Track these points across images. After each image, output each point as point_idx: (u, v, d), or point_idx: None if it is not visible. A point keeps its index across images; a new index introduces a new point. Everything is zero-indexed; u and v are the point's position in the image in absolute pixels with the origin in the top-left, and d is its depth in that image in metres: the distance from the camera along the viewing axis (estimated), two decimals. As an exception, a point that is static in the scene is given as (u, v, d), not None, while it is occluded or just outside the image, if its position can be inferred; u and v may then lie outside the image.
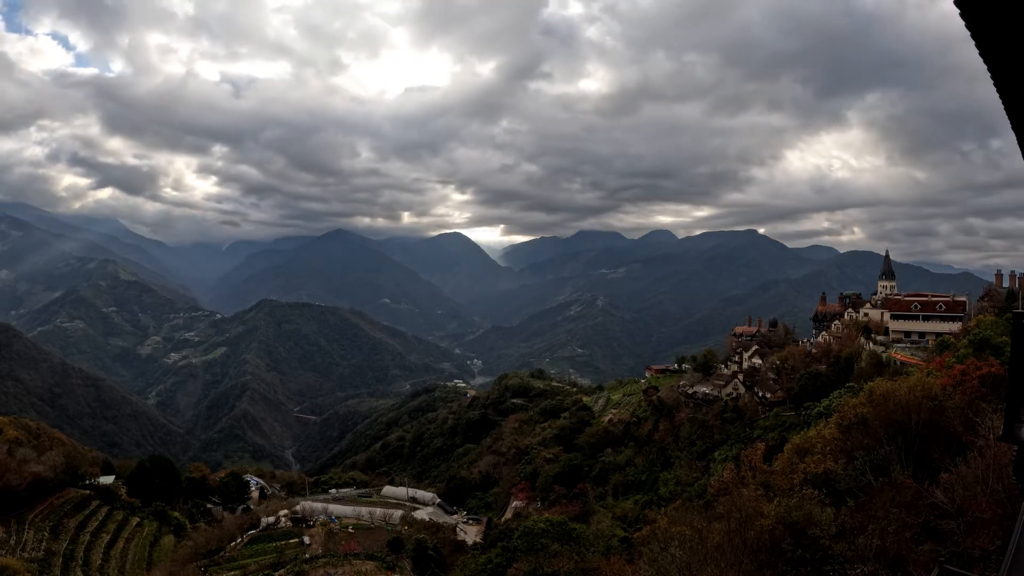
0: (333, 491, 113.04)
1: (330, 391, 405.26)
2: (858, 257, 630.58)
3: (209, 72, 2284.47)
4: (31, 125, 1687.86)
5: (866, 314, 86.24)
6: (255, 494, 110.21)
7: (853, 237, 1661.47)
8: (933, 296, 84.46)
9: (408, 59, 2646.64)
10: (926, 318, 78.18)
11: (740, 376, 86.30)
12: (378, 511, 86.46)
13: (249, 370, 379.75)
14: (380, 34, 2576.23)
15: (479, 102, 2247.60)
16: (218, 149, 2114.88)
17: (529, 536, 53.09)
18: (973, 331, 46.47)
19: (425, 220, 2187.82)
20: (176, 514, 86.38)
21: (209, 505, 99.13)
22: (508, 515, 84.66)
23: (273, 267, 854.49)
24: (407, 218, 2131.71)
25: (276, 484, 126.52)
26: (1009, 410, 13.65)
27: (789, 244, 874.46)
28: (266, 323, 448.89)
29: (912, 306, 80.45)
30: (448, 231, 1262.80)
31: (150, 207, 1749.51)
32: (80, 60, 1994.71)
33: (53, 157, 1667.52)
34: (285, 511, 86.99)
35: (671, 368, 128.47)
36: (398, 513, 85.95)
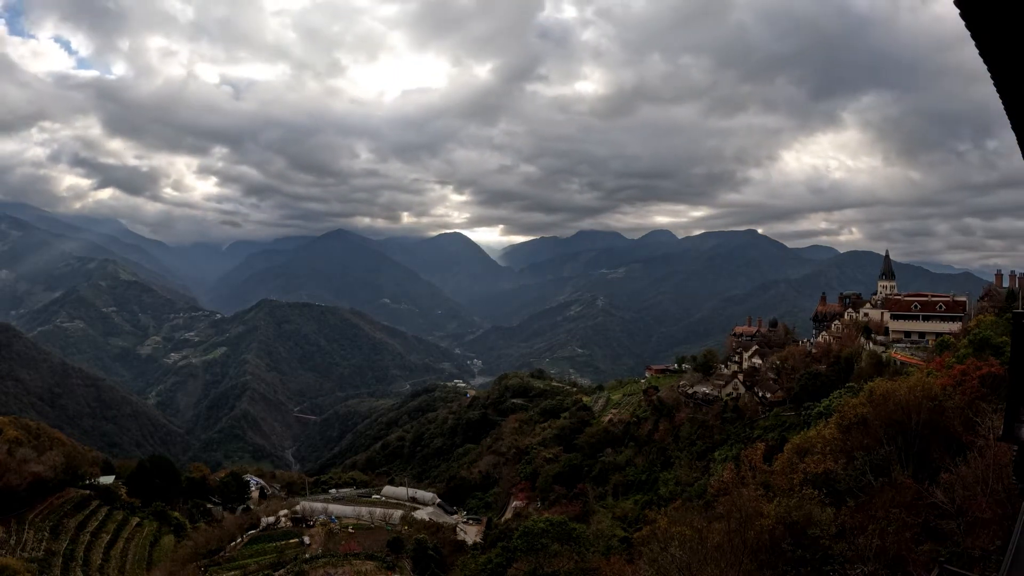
0: (333, 491, 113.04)
1: (330, 391, 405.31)
2: (858, 257, 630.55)
3: (209, 75, 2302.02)
4: (32, 126, 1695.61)
5: (866, 314, 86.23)
6: (255, 494, 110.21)
7: (851, 237, 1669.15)
8: (933, 296, 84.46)
9: (406, 62, 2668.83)
10: (926, 318, 78.18)
11: (740, 376, 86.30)
12: (378, 511, 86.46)
13: (249, 370, 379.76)
14: (378, 37, 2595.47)
15: (476, 104, 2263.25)
16: (218, 150, 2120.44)
17: (529, 536, 53.09)
18: (973, 331, 46.47)
19: (425, 220, 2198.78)
20: (176, 514, 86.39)
21: (209, 505, 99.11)
22: (508, 515, 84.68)
23: (273, 267, 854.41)
24: (406, 218, 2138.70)
25: (276, 484, 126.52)
26: (1009, 410, 13.64)
27: (789, 244, 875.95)
28: (266, 323, 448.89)
29: (912, 306, 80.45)
30: (448, 231, 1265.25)
31: (151, 207, 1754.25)
32: (82, 63, 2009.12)
33: (54, 158, 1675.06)
34: (285, 511, 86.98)
35: (671, 368, 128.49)
36: (398, 513, 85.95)
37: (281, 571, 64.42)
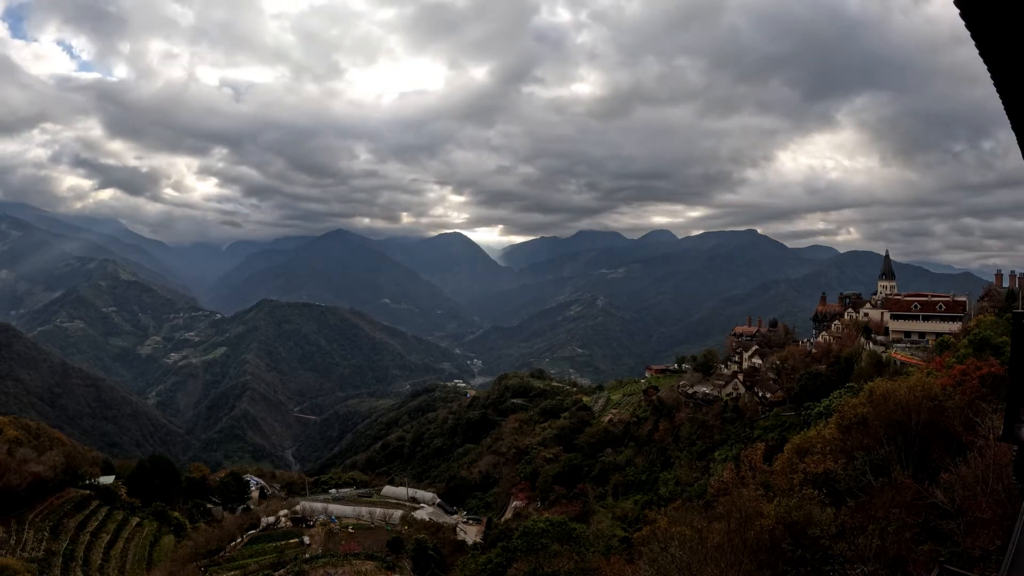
0: (333, 491, 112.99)
1: (330, 391, 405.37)
2: (858, 257, 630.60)
3: (209, 77, 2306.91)
4: (34, 128, 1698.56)
5: (866, 314, 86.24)
6: (255, 494, 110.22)
7: (849, 237, 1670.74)
8: (933, 296, 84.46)
9: (404, 64, 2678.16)
10: (926, 318, 78.18)
11: (740, 376, 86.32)
12: (378, 511, 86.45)
13: (249, 370, 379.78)
14: (376, 40, 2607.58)
15: (474, 105, 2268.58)
16: (218, 151, 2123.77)
17: (529, 536, 53.11)
18: (973, 331, 46.46)
19: (424, 220, 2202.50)
20: (176, 514, 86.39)
21: (209, 505, 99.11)
22: (508, 515, 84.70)
23: (273, 267, 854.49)
24: (406, 219, 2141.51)
25: (276, 484, 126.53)
26: (1009, 410, 13.64)
27: (788, 244, 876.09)
28: (266, 323, 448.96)
29: (912, 306, 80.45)
30: (448, 231, 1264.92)
31: (151, 208, 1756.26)
32: (83, 66, 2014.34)
33: (55, 159, 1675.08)
34: (285, 511, 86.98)
35: (671, 368, 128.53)
36: (398, 513, 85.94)
37: (281, 571, 64.42)
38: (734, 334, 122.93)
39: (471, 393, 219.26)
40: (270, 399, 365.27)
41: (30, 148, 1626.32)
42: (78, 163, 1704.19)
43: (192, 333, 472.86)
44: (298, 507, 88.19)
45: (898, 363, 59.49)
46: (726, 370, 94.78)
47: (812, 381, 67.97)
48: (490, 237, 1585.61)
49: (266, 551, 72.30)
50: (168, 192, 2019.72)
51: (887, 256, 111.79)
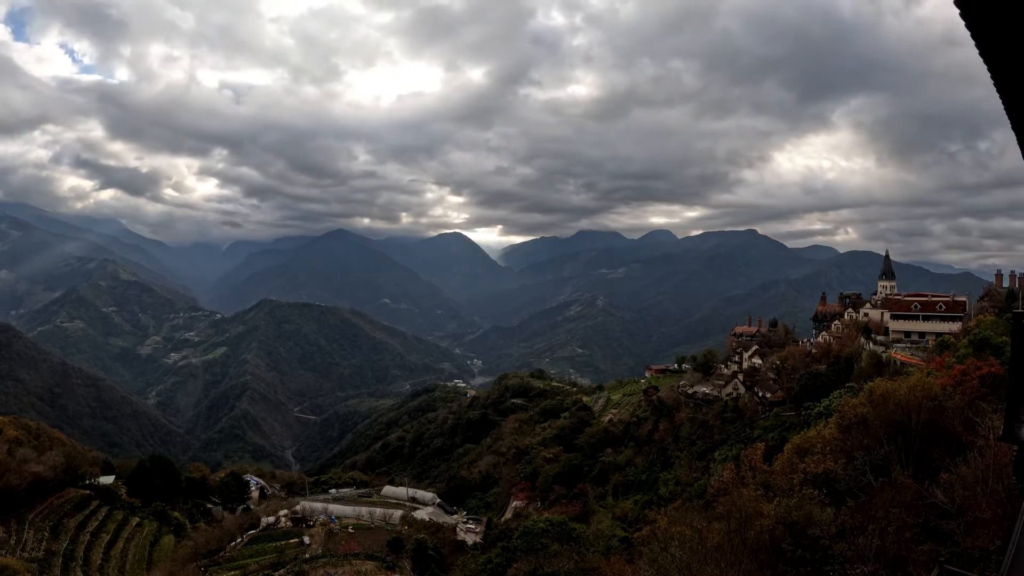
0: (333, 491, 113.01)
1: (330, 391, 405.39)
2: (858, 257, 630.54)
3: (209, 80, 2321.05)
4: (36, 129, 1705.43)
5: (866, 314, 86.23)
6: (255, 494, 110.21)
7: (848, 237, 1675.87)
8: (933, 296, 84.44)
9: (402, 67, 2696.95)
10: (926, 318, 78.16)
11: (740, 376, 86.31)
12: (378, 511, 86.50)
13: (249, 370, 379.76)
14: (374, 43, 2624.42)
15: (471, 107, 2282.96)
16: (219, 152, 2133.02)
17: (529, 536, 53.12)
18: (973, 331, 46.45)
19: (424, 220, 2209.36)
20: (176, 514, 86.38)
21: (209, 505, 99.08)
22: (508, 515, 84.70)
23: (273, 267, 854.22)
24: (405, 219, 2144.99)
25: (276, 484, 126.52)
26: (1009, 410, 13.63)
27: (788, 244, 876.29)
28: (266, 323, 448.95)
29: (912, 306, 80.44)
30: (448, 231, 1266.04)
31: (152, 208, 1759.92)
32: (85, 69, 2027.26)
33: (57, 160, 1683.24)
34: (285, 511, 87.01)
35: (671, 368, 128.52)
36: (398, 513, 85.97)
37: (281, 571, 64.44)
38: (734, 334, 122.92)
39: (471, 393, 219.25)
40: (270, 399, 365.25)
41: (32, 149, 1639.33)
42: (79, 164, 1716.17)
43: (192, 333, 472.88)
44: (298, 507, 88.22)
45: (898, 363, 59.47)
46: (726, 370, 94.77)
47: (812, 381, 67.96)
48: (490, 237, 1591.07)
49: (266, 551, 72.33)
50: (168, 192, 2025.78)
51: (887, 256, 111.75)
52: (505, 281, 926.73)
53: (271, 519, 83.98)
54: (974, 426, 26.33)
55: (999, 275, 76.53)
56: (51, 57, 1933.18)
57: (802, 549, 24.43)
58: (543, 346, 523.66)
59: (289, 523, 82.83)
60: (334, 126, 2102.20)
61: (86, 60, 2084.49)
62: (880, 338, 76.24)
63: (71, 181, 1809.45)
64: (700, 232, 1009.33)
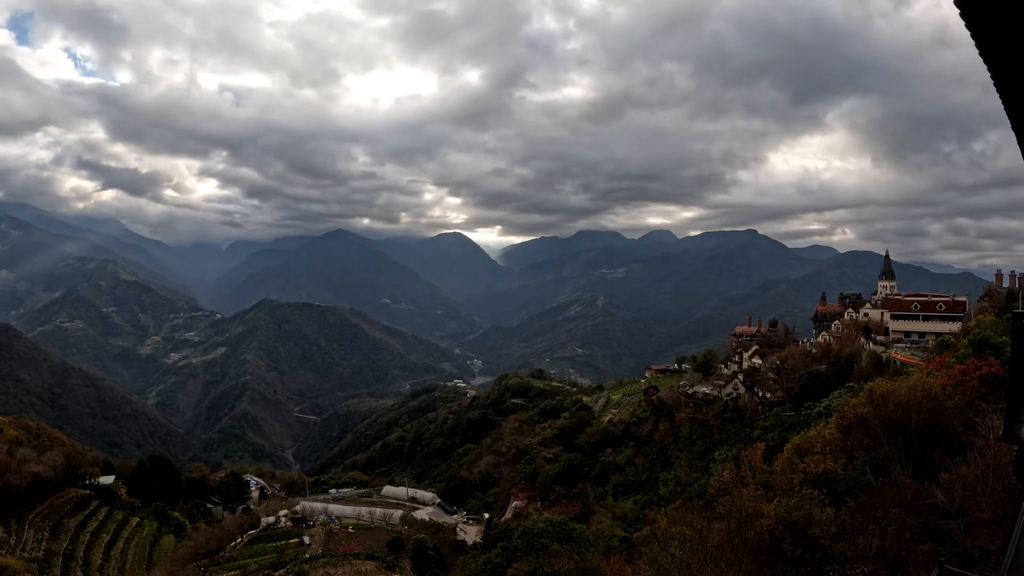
0: (333, 491, 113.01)
1: (330, 391, 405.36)
2: (858, 257, 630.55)
3: (209, 83, 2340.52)
4: (38, 130, 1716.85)
5: (866, 314, 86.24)
6: (255, 494, 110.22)
7: (845, 237, 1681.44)
8: (933, 296, 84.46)
9: (399, 70, 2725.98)
10: (926, 318, 78.17)
11: (740, 376, 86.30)
12: (378, 511, 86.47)
13: (249, 370, 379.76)
14: (372, 47, 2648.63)
15: (468, 109, 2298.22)
16: (219, 154, 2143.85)
17: (529, 536, 53.11)
18: (973, 331, 46.45)
19: (423, 221, 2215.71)
20: (176, 514, 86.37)
21: (209, 505, 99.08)
22: (508, 515, 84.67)
23: (273, 267, 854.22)
24: (405, 219, 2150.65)
25: (276, 484, 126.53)
26: (1009, 410, 13.63)
27: (788, 244, 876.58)
28: (266, 323, 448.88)
29: (912, 306, 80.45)
30: (448, 231, 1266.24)
31: (153, 208, 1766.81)
32: (87, 72, 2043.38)
33: (58, 161, 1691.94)
34: (285, 511, 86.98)
35: (671, 368, 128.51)
36: (398, 513, 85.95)
37: (281, 571, 64.42)
38: (734, 334, 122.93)
39: (471, 393, 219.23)
40: (270, 399, 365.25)
41: (34, 150, 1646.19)
42: (81, 165, 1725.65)
43: (192, 333, 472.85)
44: (298, 507, 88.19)
45: (898, 363, 59.47)
46: (726, 370, 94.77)
47: (812, 381, 67.96)
48: (489, 237, 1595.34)
49: (266, 551, 72.30)
50: (169, 193, 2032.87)
51: (887, 256, 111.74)
52: (505, 281, 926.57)
53: (271, 519, 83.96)
54: (974, 426, 26.32)
55: (999, 275, 76.56)
56: (54, 61, 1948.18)
57: (802, 549, 24.42)
58: (543, 346, 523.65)
59: (289, 523, 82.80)
60: (333, 128, 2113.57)
61: (87, 62, 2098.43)
62: (880, 338, 76.25)
63: (73, 182, 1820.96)
64: (700, 232, 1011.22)
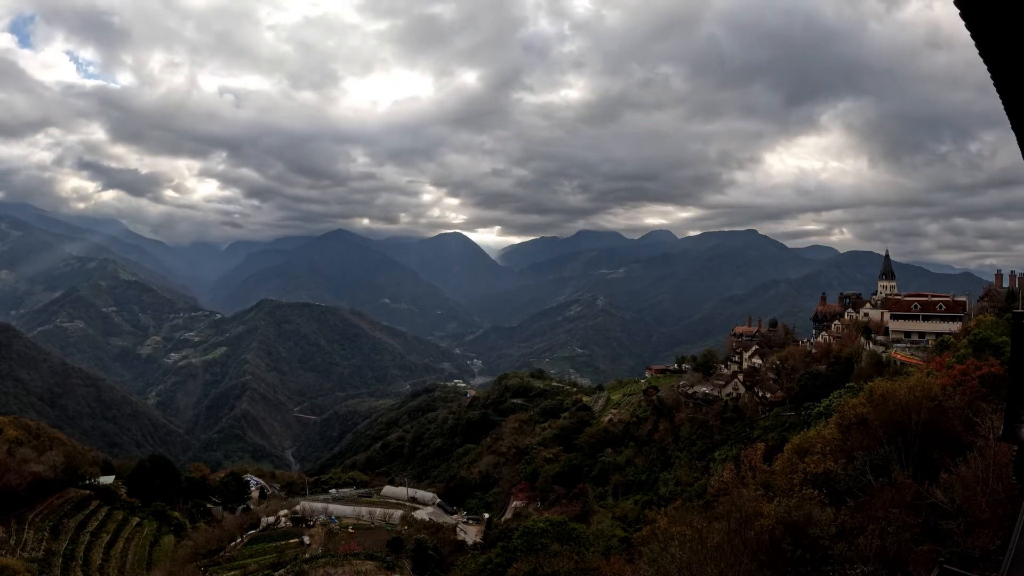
0: (333, 491, 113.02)
1: (330, 391, 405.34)
2: (858, 257, 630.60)
3: (209, 85, 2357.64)
4: (39, 132, 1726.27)
5: (866, 314, 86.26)
6: (255, 494, 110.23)
7: (843, 237, 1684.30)
8: (933, 296, 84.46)
9: (397, 72, 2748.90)
10: (926, 318, 78.19)
11: (740, 376, 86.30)
12: (378, 511, 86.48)
13: (249, 370, 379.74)
14: (370, 50, 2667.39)
15: (466, 111, 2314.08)
16: (219, 155, 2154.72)
17: (529, 536, 53.10)
18: (973, 331, 46.46)
19: (423, 221, 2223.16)
20: (176, 514, 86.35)
21: (209, 505, 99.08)
22: (508, 515, 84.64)
23: (273, 267, 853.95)
24: (404, 219, 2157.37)
25: (276, 484, 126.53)
26: (1009, 410, 13.65)
27: (788, 244, 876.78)
28: (266, 323, 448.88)
29: (912, 306, 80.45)
30: (447, 231, 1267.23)
31: (153, 209, 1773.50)
32: (89, 75, 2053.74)
33: (59, 162, 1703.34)
34: (285, 511, 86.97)
35: (671, 368, 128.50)
36: (398, 513, 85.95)
37: (281, 571, 64.43)
38: (734, 334, 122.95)
39: (471, 393, 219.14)
40: (270, 399, 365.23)
41: (35, 151, 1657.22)
42: (82, 166, 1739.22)
43: (192, 333, 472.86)
44: (298, 507, 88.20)
45: (898, 363, 59.49)
46: (726, 370, 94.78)
47: (812, 381, 67.98)
48: (489, 237, 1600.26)
49: (266, 551, 72.30)
50: (169, 194, 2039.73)
51: (887, 256, 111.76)
52: (505, 281, 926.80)
53: (271, 519, 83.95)
54: (974, 426, 26.31)
55: (999, 275, 76.59)
56: (55, 63, 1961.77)
57: (802, 549, 24.41)
58: (543, 346, 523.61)
59: (289, 523, 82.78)
60: (332, 130, 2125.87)
61: (89, 65, 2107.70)
62: (880, 338, 76.27)
63: (73, 182, 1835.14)
64: (699, 232, 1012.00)
